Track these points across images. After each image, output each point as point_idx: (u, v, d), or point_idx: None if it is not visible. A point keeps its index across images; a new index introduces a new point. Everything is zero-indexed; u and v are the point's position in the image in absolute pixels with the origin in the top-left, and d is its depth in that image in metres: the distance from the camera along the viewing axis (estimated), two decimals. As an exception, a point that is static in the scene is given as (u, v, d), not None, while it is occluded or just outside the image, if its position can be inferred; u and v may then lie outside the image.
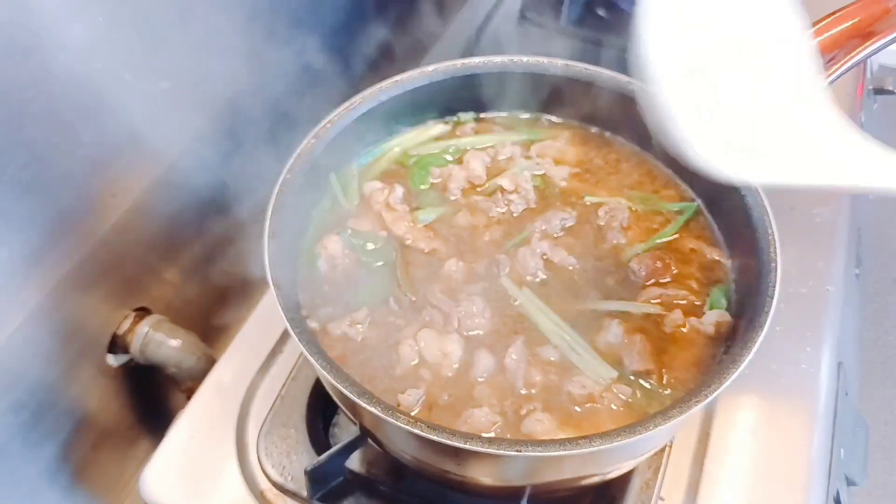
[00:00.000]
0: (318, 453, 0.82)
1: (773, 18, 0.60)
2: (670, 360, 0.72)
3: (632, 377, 0.70)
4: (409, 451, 0.69)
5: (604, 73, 0.85)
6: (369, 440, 0.74)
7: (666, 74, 0.55)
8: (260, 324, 0.97)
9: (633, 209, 0.84)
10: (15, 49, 0.71)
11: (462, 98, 0.91)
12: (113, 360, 0.96)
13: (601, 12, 1.38)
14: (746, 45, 0.59)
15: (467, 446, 0.58)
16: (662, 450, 0.82)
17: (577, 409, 0.69)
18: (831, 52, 0.80)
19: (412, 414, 0.67)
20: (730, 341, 0.72)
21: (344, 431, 0.89)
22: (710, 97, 0.57)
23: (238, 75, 1.04)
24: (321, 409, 0.89)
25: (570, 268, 0.79)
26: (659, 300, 0.76)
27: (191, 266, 1.07)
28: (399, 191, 0.84)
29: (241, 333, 0.96)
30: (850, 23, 0.80)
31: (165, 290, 1.03)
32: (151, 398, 1.05)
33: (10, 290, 0.78)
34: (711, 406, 0.88)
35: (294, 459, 0.84)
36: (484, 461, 0.63)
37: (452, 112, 0.93)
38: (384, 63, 1.34)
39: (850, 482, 0.97)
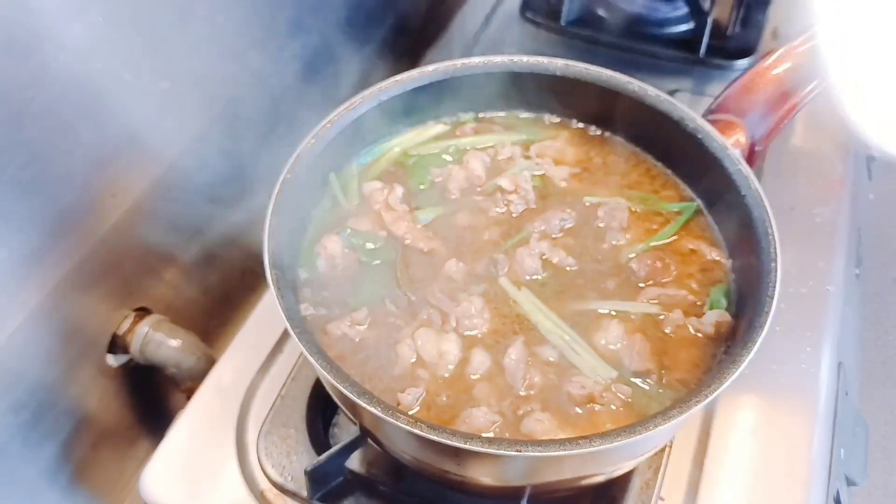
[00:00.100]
0: (318, 453, 0.82)
1: None
2: (670, 360, 0.72)
3: (632, 377, 0.70)
4: (409, 451, 0.69)
5: (604, 73, 0.85)
6: (369, 440, 0.74)
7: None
8: (260, 324, 0.97)
9: (633, 209, 0.83)
10: (15, 49, 0.71)
11: (462, 98, 0.91)
12: (113, 360, 0.96)
13: (601, 12, 1.38)
14: None
15: (467, 446, 0.58)
16: (662, 450, 0.82)
17: (577, 409, 0.69)
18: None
19: (411, 413, 0.67)
20: (730, 341, 0.72)
21: (344, 431, 0.89)
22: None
23: (238, 75, 1.04)
24: (321, 409, 0.89)
25: (570, 268, 0.79)
26: (658, 300, 0.76)
27: (191, 266, 1.07)
28: (399, 191, 0.84)
29: (241, 333, 0.96)
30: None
31: (165, 290, 1.03)
32: (151, 398, 1.05)
33: (10, 290, 0.78)
34: (711, 406, 0.88)
35: (294, 459, 0.84)
36: (484, 461, 0.63)
37: (452, 112, 0.92)
38: (384, 63, 1.34)
39: (850, 482, 0.96)
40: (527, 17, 1.37)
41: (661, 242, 0.81)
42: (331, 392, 0.71)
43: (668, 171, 0.87)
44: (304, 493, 0.81)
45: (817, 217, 1.07)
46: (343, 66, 1.25)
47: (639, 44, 1.31)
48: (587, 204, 0.85)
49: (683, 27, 1.34)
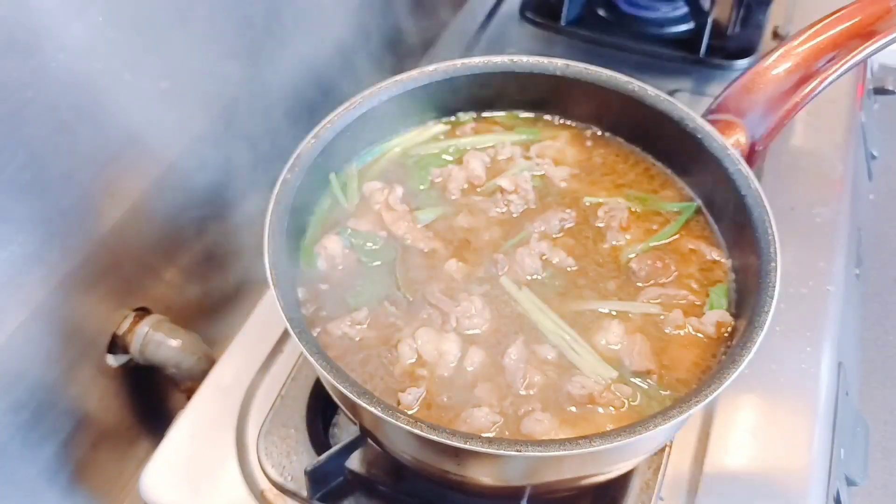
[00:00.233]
0: (318, 453, 0.82)
1: None
2: (670, 360, 0.72)
3: (632, 377, 0.70)
4: (409, 451, 0.69)
5: (604, 73, 0.85)
6: (369, 440, 0.74)
7: None
8: (260, 324, 0.97)
9: (633, 209, 0.83)
10: (14, 48, 0.71)
11: (462, 98, 0.91)
12: (113, 360, 0.96)
13: (601, 12, 1.38)
14: None
15: (467, 446, 0.58)
16: (662, 450, 0.82)
17: (577, 409, 0.69)
18: (832, 52, 0.80)
19: (411, 413, 0.67)
20: (730, 341, 0.72)
21: (344, 431, 0.89)
22: None
23: (238, 75, 1.04)
24: (321, 409, 0.89)
25: (570, 268, 0.79)
26: (659, 300, 0.76)
27: (191, 266, 1.07)
28: (399, 191, 0.84)
29: (241, 333, 0.96)
30: (851, 22, 0.80)
31: (165, 290, 1.03)
32: (151, 398, 1.05)
33: (10, 290, 0.78)
34: (711, 406, 0.88)
35: (294, 459, 0.84)
36: (484, 461, 0.63)
37: (452, 112, 0.92)
38: (384, 62, 1.34)
39: (850, 482, 0.97)
40: (527, 17, 1.37)
41: (661, 242, 0.81)
42: (331, 392, 0.71)
43: (668, 171, 0.87)
44: (304, 493, 0.81)
45: (817, 217, 1.07)
46: (343, 65, 1.25)
47: (639, 44, 1.31)
48: (587, 204, 0.85)
49: (683, 27, 1.34)
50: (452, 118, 0.93)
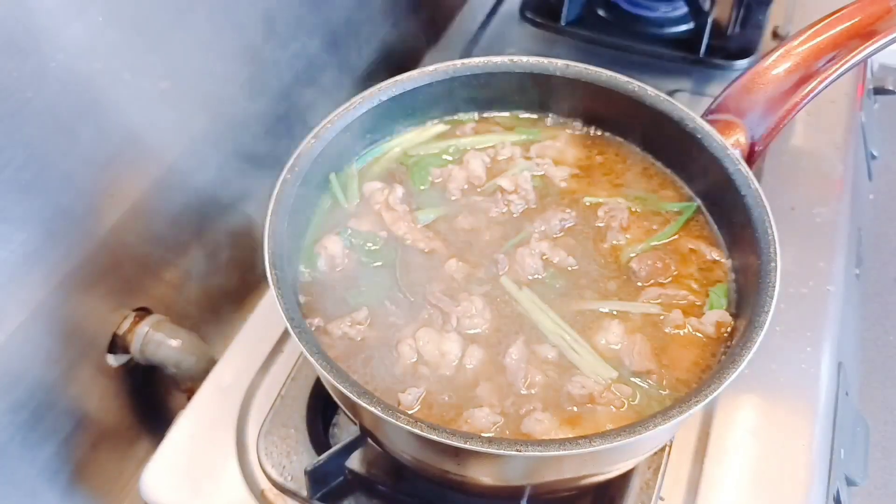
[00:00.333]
0: (318, 453, 0.82)
1: None
2: (670, 360, 0.72)
3: (632, 377, 0.70)
4: (409, 450, 0.69)
5: (603, 74, 0.85)
6: (369, 440, 0.74)
7: None
8: (260, 324, 0.97)
9: (633, 209, 0.84)
10: (14, 49, 0.71)
11: (462, 98, 0.91)
12: (113, 360, 0.96)
13: (601, 12, 1.38)
14: None
15: (467, 446, 0.58)
16: (662, 450, 0.82)
17: (577, 409, 0.69)
18: (832, 52, 0.80)
19: (412, 413, 0.67)
20: (729, 341, 0.72)
21: (344, 431, 0.89)
22: None
23: (238, 75, 1.04)
24: (321, 409, 0.89)
25: (570, 268, 0.79)
26: (659, 300, 0.76)
27: (191, 266, 1.07)
28: (399, 191, 0.84)
29: (241, 333, 0.96)
30: (851, 22, 0.81)
31: (165, 290, 1.03)
32: (151, 398, 1.05)
33: (10, 290, 0.78)
34: (711, 406, 0.88)
35: (294, 459, 0.84)
36: (484, 461, 0.63)
37: (452, 112, 0.92)
38: (384, 62, 1.34)
39: (850, 482, 0.97)
40: (527, 17, 1.37)
41: (661, 242, 0.81)
42: (331, 392, 0.71)
43: (668, 171, 0.87)
44: (304, 493, 0.81)
45: (817, 217, 1.07)
46: (343, 66, 1.25)
47: (639, 44, 1.31)
48: (587, 204, 0.85)
49: (683, 27, 1.34)
50: (452, 118, 0.93)
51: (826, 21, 0.81)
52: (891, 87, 1.50)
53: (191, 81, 0.96)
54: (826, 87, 0.79)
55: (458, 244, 0.81)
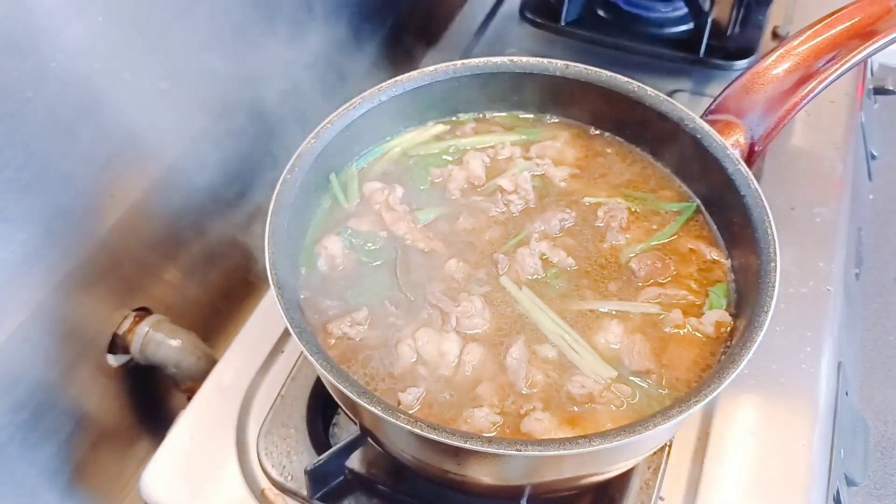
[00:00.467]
0: (318, 453, 0.82)
1: None
2: (670, 360, 0.72)
3: (631, 377, 0.70)
4: (409, 450, 0.69)
5: (603, 74, 0.85)
6: (369, 440, 0.74)
7: None
8: (260, 324, 0.97)
9: (632, 209, 0.84)
10: (14, 48, 0.71)
11: (462, 98, 0.91)
12: (113, 360, 0.96)
13: (601, 12, 1.38)
14: None
15: (467, 446, 0.58)
16: (662, 449, 0.82)
17: (577, 408, 0.69)
18: (832, 52, 0.80)
19: (412, 412, 0.67)
20: (729, 341, 0.72)
21: (344, 431, 0.89)
22: None
23: (238, 75, 1.04)
24: (321, 409, 0.89)
25: (570, 268, 0.79)
26: (658, 300, 0.76)
27: (191, 266, 1.07)
28: (399, 191, 0.85)
29: (241, 333, 0.96)
30: (851, 22, 0.81)
31: (165, 290, 1.03)
32: (151, 398, 1.05)
33: (10, 290, 0.78)
34: (711, 406, 0.88)
35: (294, 459, 0.84)
36: (484, 460, 0.63)
37: (452, 112, 0.93)
38: (384, 62, 1.34)
39: (850, 482, 0.97)
40: (527, 17, 1.37)
41: (660, 242, 0.81)
42: (331, 392, 0.71)
43: (668, 171, 0.87)
44: (305, 493, 0.81)
45: (817, 217, 1.07)
46: (343, 66, 1.25)
47: (639, 44, 1.31)
48: (587, 204, 0.85)
49: (683, 27, 1.34)
50: (452, 118, 0.93)
51: (826, 21, 0.81)
52: (891, 87, 1.51)
53: (191, 81, 0.96)
54: (826, 87, 0.79)
55: (458, 244, 0.81)
